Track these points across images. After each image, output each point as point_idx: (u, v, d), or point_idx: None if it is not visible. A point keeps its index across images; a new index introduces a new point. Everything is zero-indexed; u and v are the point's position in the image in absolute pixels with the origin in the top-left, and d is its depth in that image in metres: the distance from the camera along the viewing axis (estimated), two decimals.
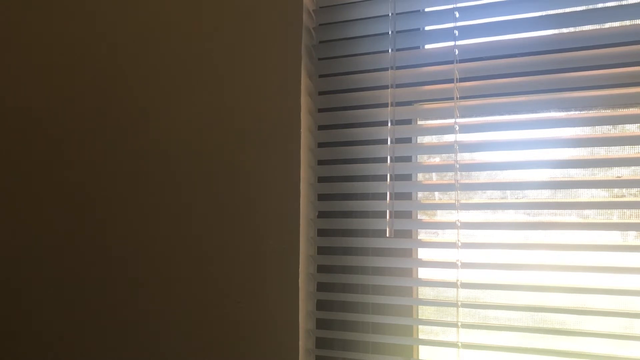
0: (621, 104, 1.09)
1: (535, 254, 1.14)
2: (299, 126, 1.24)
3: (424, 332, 1.27)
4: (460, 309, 1.15)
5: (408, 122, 1.25)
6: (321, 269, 1.29)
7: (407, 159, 1.25)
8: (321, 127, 1.31)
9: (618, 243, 1.11)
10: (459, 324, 1.15)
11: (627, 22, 1.09)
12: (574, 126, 1.12)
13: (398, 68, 1.21)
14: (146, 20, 1.40)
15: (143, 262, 1.38)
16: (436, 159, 1.29)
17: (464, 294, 1.17)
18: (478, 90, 1.16)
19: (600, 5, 1.09)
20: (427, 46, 1.25)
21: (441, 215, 1.27)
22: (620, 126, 1.14)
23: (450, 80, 1.16)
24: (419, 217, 1.27)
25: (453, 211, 1.17)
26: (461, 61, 1.16)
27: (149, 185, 1.38)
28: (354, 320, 1.26)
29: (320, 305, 1.29)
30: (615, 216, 1.15)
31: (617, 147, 1.12)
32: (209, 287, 1.31)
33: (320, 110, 1.30)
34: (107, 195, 1.42)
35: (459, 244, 1.15)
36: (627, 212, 1.14)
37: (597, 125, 1.12)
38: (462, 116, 1.17)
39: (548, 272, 1.12)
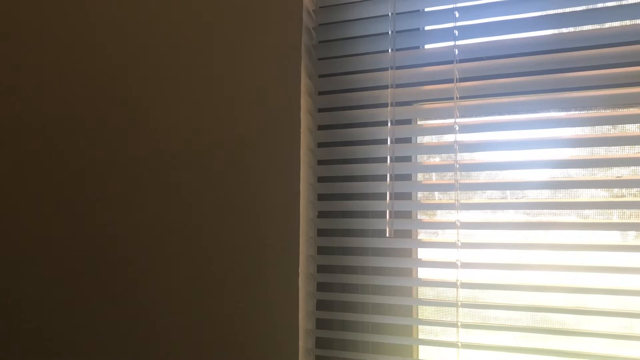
0: (621, 104, 1.09)
1: (535, 254, 1.14)
2: (299, 126, 1.24)
3: (423, 332, 1.27)
4: (460, 309, 1.15)
5: (408, 122, 1.25)
6: (321, 269, 1.29)
7: (407, 159, 1.25)
8: (321, 127, 1.31)
9: (618, 243, 1.11)
10: (459, 324, 1.15)
11: (627, 22, 1.09)
12: (574, 126, 1.12)
13: (398, 68, 1.21)
14: (145, 21, 1.40)
15: (143, 262, 1.38)
16: (436, 159, 1.29)
17: (464, 294, 1.17)
18: (478, 90, 1.16)
19: (600, 5, 1.09)
20: (427, 46, 1.25)
21: (441, 215, 1.27)
22: (620, 126, 1.14)
23: (450, 80, 1.16)
24: (419, 217, 1.27)
25: (453, 211, 1.17)
26: (461, 61, 1.16)
27: (148, 185, 1.38)
28: (354, 320, 1.26)
29: (320, 305, 1.29)
30: (615, 216, 1.15)
31: (617, 147, 1.12)
32: (209, 287, 1.31)
33: (320, 110, 1.30)
34: (107, 196, 1.42)
35: (459, 244, 1.15)
36: (627, 212, 1.14)
37: (597, 125, 1.12)
38: (462, 116, 1.17)
39: (548, 272, 1.12)
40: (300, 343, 1.24)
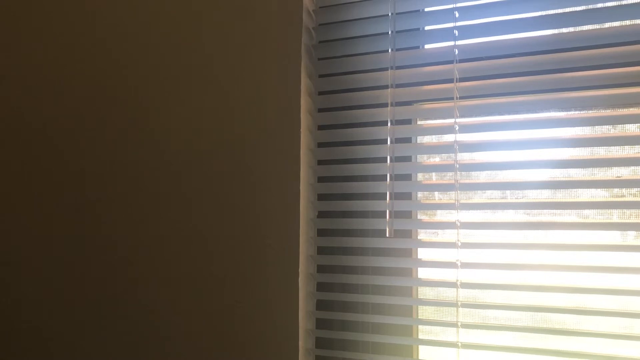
0: (621, 104, 1.09)
1: (535, 254, 1.14)
2: (299, 126, 1.24)
3: (423, 332, 1.27)
4: (460, 309, 1.15)
5: (408, 122, 1.25)
6: (321, 269, 1.29)
7: (407, 158, 1.25)
8: (321, 127, 1.31)
9: (618, 243, 1.11)
10: (459, 324, 1.15)
11: (627, 22, 1.09)
12: (574, 126, 1.12)
13: (398, 68, 1.21)
14: (146, 21, 1.40)
15: (143, 262, 1.38)
16: (436, 159, 1.29)
17: (464, 294, 1.17)
18: (478, 90, 1.16)
19: (600, 5, 1.09)
20: (427, 46, 1.25)
21: (441, 215, 1.27)
22: (620, 126, 1.14)
23: (450, 80, 1.16)
24: (419, 217, 1.27)
25: (453, 211, 1.17)
26: (461, 61, 1.16)
27: (148, 185, 1.38)
28: (354, 320, 1.26)
29: (320, 305, 1.29)
30: (615, 216, 1.15)
31: (617, 147, 1.12)
32: (209, 287, 1.31)
33: (320, 110, 1.30)
34: (107, 196, 1.42)
35: (459, 244, 1.15)
36: (627, 212, 1.14)
37: (597, 125, 1.12)
38: (462, 116, 1.17)
39: (548, 272, 1.12)
40: (300, 343, 1.24)
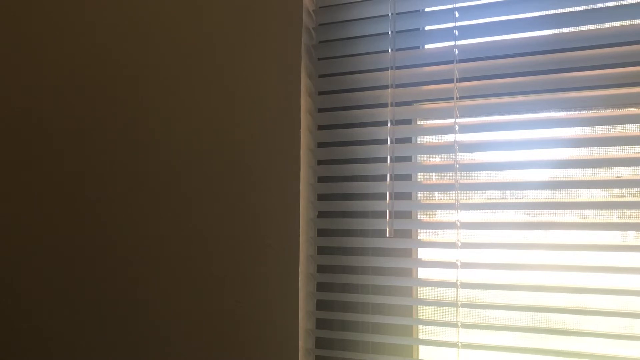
0: (621, 104, 1.09)
1: (535, 254, 1.14)
2: (298, 126, 1.24)
3: (423, 332, 1.27)
4: (460, 309, 1.15)
5: (408, 122, 1.25)
6: (321, 269, 1.29)
7: (407, 159, 1.25)
8: (321, 127, 1.31)
9: (618, 243, 1.11)
10: (459, 324, 1.15)
11: (627, 22, 1.09)
12: (574, 126, 1.12)
13: (398, 68, 1.21)
14: (146, 21, 1.40)
15: (143, 262, 1.38)
16: (436, 159, 1.29)
17: (464, 294, 1.17)
18: (478, 90, 1.16)
19: (600, 5, 1.09)
20: (427, 46, 1.25)
21: (441, 215, 1.27)
22: (620, 126, 1.14)
23: (450, 80, 1.16)
24: (419, 217, 1.27)
25: (453, 211, 1.17)
26: (461, 61, 1.16)
27: (148, 185, 1.38)
28: (354, 320, 1.26)
29: (320, 305, 1.29)
30: (615, 216, 1.15)
31: (617, 147, 1.12)
32: (209, 287, 1.31)
33: (320, 110, 1.30)
34: (107, 195, 1.42)
35: (459, 244, 1.15)
36: (627, 212, 1.14)
37: (597, 125, 1.12)
38: (462, 116, 1.17)
39: (548, 272, 1.12)
40: (300, 343, 1.24)
